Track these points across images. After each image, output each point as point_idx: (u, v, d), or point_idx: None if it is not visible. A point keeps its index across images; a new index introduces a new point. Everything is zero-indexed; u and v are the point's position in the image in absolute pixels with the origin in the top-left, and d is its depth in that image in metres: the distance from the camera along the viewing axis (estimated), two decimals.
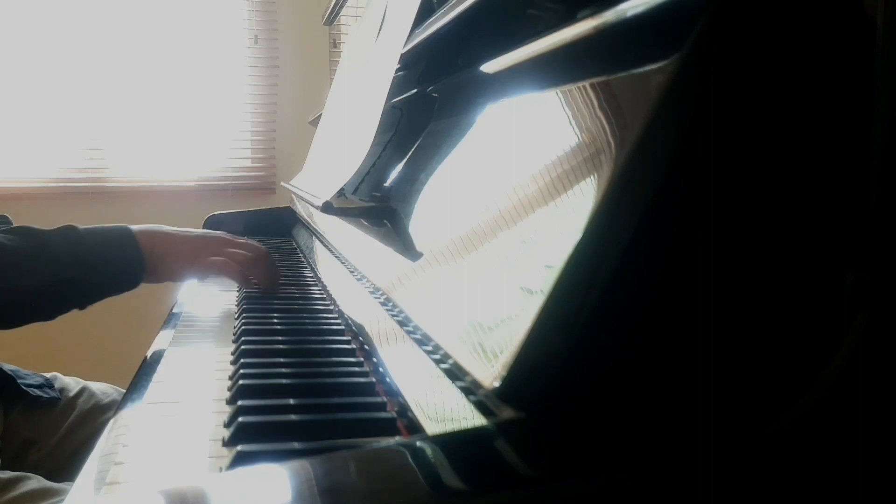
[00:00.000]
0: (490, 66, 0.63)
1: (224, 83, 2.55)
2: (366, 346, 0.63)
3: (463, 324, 0.42)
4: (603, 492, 0.29)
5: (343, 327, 0.74)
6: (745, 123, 0.33)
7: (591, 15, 0.43)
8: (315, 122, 1.58)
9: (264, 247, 0.97)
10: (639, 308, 0.33)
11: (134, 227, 0.90)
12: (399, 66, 0.82)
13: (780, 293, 0.33)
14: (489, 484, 0.30)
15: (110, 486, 0.42)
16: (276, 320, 0.77)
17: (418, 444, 0.33)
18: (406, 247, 0.61)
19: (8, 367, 0.98)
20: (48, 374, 1.04)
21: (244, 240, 0.98)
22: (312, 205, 0.93)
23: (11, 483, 0.76)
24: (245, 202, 2.32)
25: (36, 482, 0.77)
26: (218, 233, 0.99)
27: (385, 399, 0.52)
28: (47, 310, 0.86)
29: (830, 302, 0.32)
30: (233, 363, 0.63)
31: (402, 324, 0.54)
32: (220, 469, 0.43)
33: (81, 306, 0.88)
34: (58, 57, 2.36)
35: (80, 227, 0.86)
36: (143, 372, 0.64)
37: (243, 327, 0.73)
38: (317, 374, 0.59)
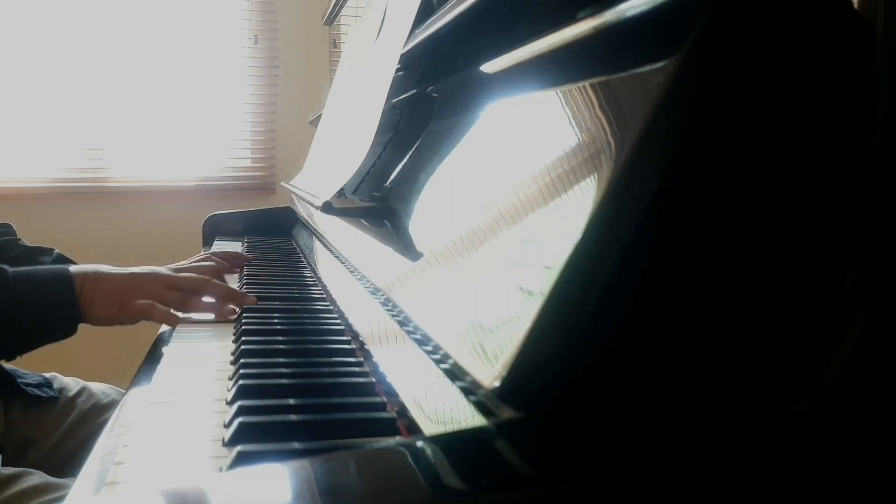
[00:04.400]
0: (490, 66, 0.62)
1: (224, 83, 2.55)
2: (366, 346, 0.63)
3: (463, 324, 0.42)
4: (603, 492, 0.29)
5: (343, 327, 0.74)
6: (746, 123, 0.33)
7: (591, 15, 0.43)
8: (315, 122, 1.58)
9: (205, 278, 0.90)
10: (638, 308, 0.33)
11: (73, 268, 0.86)
12: (399, 66, 0.82)
13: (780, 293, 0.33)
14: (489, 484, 0.30)
15: (110, 486, 0.42)
16: (276, 320, 0.77)
17: (418, 444, 0.33)
18: (406, 247, 0.61)
19: (7, 366, 0.98)
20: (48, 374, 1.04)
21: (185, 276, 0.90)
22: (312, 205, 0.93)
23: (13, 479, 0.76)
24: (245, 202, 2.31)
25: (38, 478, 0.77)
26: (160, 270, 0.91)
27: (385, 399, 0.52)
28: None
29: (830, 302, 0.32)
30: (233, 363, 0.63)
31: (402, 324, 0.54)
32: (221, 469, 0.43)
33: (9, 357, 0.83)
34: (58, 57, 2.36)
35: (11, 271, 0.81)
36: (143, 372, 0.64)
37: (243, 327, 0.73)
38: (317, 374, 0.59)
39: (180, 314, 0.85)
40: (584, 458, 0.30)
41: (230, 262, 1.12)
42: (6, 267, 0.82)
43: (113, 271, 0.88)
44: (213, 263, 1.05)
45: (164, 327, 0.83)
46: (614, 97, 0.39)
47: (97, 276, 0.86)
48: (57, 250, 1.12)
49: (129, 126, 2.46)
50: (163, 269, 0.92)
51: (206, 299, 0.87)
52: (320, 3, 2.15)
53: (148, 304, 0.85)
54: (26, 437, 0.94)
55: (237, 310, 0.84)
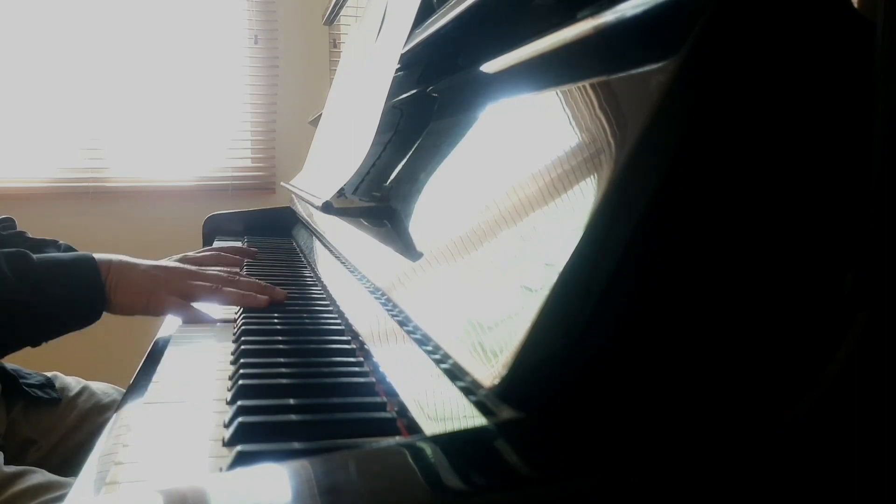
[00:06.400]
0: (490, 66, 0.63)
1: (224, 83, 2.55)
2: (366, 346, 0.63)
3: (463, 323, 0.42)
4: (603, 492, 0.29)
5: (343, 327, 0.74)
6: (746, 123, 0.33)
7: (591, 15, 0.43)
8: (315, 122, 1.58)
9: (227, 275, 0.89)
10: (639, 307, 0.33)
11: (97, 256, 0.85)
12: (399, 66, 0.82)
13: (780, 293, 0.33)
14: (489, 484, 0.30)
15: (110, 486, 0.42)
16: (276, 320, 0.77)
17: (418, 443, 0.33)
18: (406, 247, 0.61)
19: (9, 366, 0.98)
20: (49, 374, 1.04)
21: (210, 271, 0.90)
22: (312, 205, 0.93)
23: (17, 477, 0.76)
24: (245, 202, 2.32)
25: (41, 476, 0.77)
26: (183, 267, 0.91)
27: (385, 399, 0.52)
28: None
29: (830, 302, 0.32)
30: (233, 363, 0.63)
31: (402, 324, 0.54)
32: (220, 469, 0.43)
33: (35, 342, 0.81)
34: (57, 57, 2.36)
35: (35, 255, 0.80)
36: (143, 372, 0.64)
37: (243, 327, 0.73)
38: (317, 374, 0.58)
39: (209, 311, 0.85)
40: (584, 457, 0.30)
41: (239, 255, 1.12)
42: (28, 252, 0.80)
43: (140, 261, 0.88)
44: (236, 258, 1.03)
45: (164, 328, 0.83)
46: (614, 97, 0.39)
47: (122, 264, 0.86)
48: (63, 243, 1.12)
49: (129, 126, 2.46)
50: (184, 265, 0.92)
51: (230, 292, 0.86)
52: (320, 3, 2.15)
53: (179, 301, 0.85)
54: (27, 438, 0.94)
55: (268, 300, 0.84)
